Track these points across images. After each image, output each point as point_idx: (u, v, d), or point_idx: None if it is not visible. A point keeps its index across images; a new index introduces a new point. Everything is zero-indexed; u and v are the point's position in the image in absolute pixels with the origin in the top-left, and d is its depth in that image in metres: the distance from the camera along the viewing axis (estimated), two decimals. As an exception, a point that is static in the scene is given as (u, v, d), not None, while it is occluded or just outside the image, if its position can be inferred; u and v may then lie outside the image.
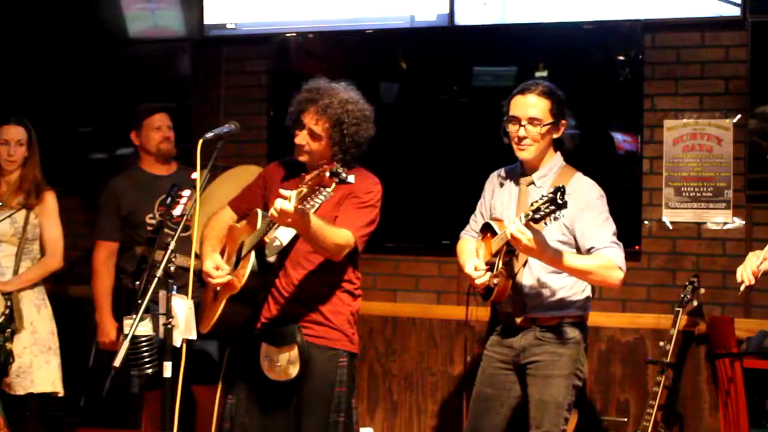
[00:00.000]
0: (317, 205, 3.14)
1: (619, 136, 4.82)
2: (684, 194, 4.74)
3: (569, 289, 3.54)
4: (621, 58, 4.80)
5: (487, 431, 3.67)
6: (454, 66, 5.08)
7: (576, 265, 3.38)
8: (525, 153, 3.54)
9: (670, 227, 4.77)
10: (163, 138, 4.64)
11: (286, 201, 3.11)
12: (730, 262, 4.59)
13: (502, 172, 3.76)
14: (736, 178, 4.66)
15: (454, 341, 5.06)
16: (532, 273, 3.53)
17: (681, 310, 4.43)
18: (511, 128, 3.54)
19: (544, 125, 3.50)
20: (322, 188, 3.07)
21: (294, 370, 3.45)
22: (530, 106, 3.50)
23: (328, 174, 3.03)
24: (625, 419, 4.76)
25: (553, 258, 3.34)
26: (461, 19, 5.04)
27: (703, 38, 4.74)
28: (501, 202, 3.67)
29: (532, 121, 3.49)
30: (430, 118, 5.08)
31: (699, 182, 4.71)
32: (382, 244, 5.12)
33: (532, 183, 3.59)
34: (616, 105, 4.81)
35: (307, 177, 3.14)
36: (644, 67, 4.75)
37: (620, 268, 3.41)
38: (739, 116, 4.65)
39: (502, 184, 3.72)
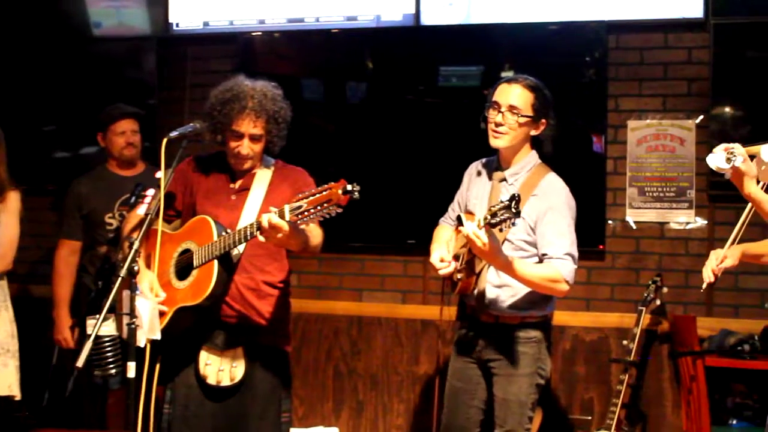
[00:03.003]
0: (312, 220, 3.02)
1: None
2: (647, 194, 4.78)
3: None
4: (585, 58, 4.83)
5: (463, 425, 3.67)
6: (420, 66, 5.08)
7: (524, 274, 3.39)
8: (499, 141, 3.53)
9: (634, 227, 4.80)
10: (126, 144, 4.66)
11: (275, 215, 3.02)
12: (693, 261, 4.64)
13: (479, 163, 3.76)
14: (698, 179, 4.70)
15: (420, 341, 5.06)
16: (496, 271, 3.52)
17: (644, 309, 4.45)
18: (491, 113, 3.54)
19: (523, 116, 3.50)
20: (328, 206, 2.92)
21: (238, 374, 3.37)
22: (513, 95, 3.51)
23: (341, 191, 2.90)
24: (589, 417, 4.79)
25: (504, 265, 3.36)
26: (427, 19, 5.05)
27: (666, 40, 4.78)
28: (475, 195, 3.67)
29: (511, 108, 3.49)
30: (396, 117, 5.08)
31: (662, 182, 4.76)
32: (348, 244, 5.12)
33: (504, 179, 3.60)
34: (580, 105, 4.83)
35: (307, 192, 2.99)
36: (608, 67, 4.79)
37: (567, 282, 3.43)
38: (701, 117, 4.70)
39: (479, 174, 3.72)
